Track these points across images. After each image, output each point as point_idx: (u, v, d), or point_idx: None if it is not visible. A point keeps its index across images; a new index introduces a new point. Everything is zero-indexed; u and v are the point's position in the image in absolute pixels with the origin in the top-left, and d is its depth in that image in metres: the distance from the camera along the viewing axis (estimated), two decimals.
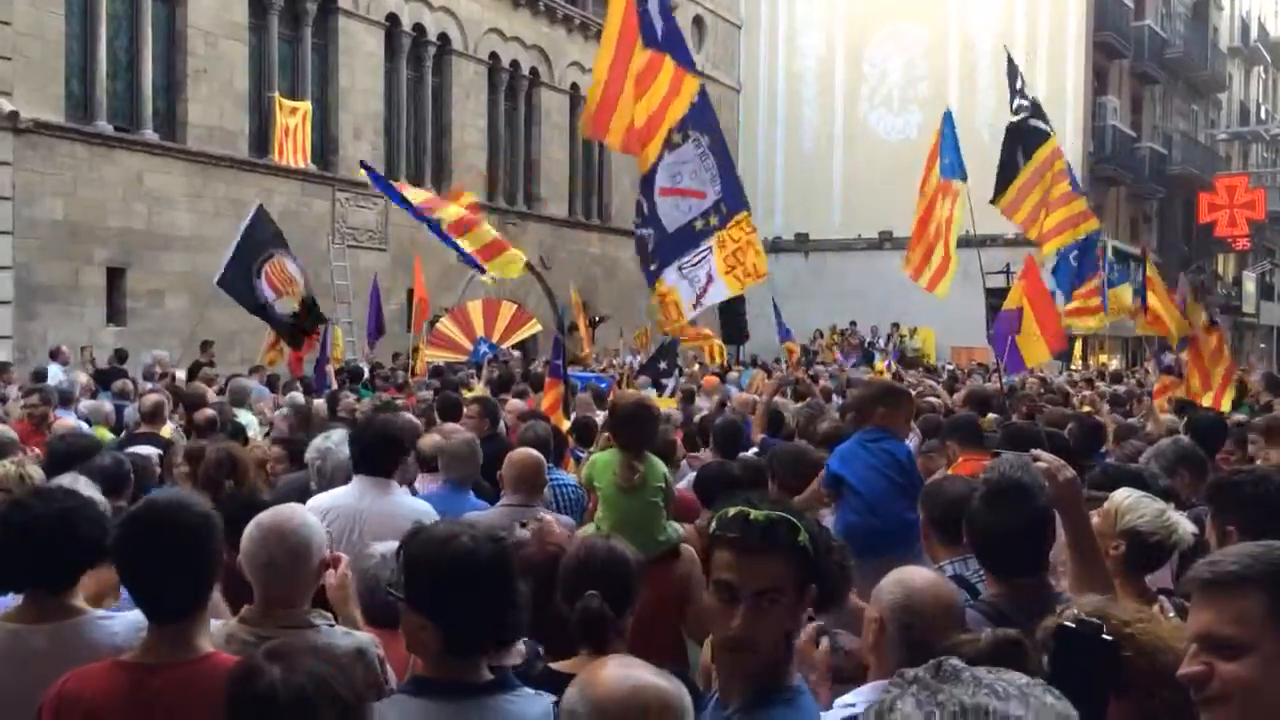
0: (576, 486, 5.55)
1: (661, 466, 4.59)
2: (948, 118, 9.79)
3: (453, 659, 2.29)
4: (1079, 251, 10.67)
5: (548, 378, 8.79)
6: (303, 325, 11.03)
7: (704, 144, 7.31)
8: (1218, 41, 40.27)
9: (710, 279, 7.64)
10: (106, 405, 8.68)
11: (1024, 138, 9.88)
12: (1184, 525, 3.11)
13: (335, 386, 11.08)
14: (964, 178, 9.43)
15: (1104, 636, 1.67)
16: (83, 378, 10.30)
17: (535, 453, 4.67)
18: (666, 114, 7.40)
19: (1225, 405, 8.87)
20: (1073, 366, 21.63)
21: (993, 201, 9.67)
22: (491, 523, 3.96)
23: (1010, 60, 10.47)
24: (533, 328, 15.09)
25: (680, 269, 7.61)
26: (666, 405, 8.96)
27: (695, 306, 7.72)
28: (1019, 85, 10.02)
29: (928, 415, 7.52)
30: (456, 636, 2.27)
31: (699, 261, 7.61)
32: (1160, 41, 34.01)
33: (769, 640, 1.97)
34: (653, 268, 7.44)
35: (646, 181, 7.44)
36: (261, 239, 10.70)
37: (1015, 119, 9.95)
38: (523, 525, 3.76)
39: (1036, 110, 9.99)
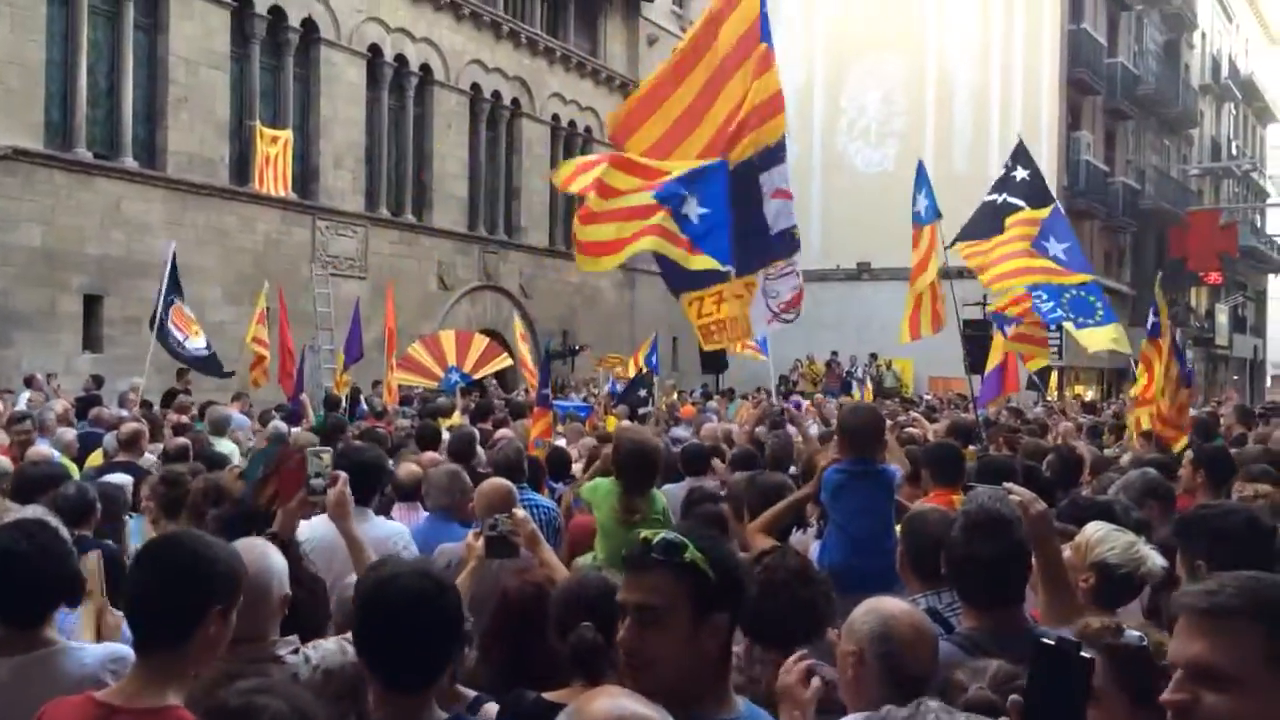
0: (550, 507, 5.54)
1: (662, 500, 4.57)
2: (920, 168, 9.80)
3: (395, 701, 2.28)
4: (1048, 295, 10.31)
5: (536, 407, 8.81)
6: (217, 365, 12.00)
7: None
8: (1189, 79, 40.95)
9: (797, 298, 7.25)
10: (69, 434, 8.51)
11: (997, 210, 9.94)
12: (1154, 558, 3.14)
13: (309, 417, 11.07)
14: (939, 216, 9.44)
15: (1081, 654, 1.67)
16: (59, 405, 10.18)
17: (505, 481, 4.64)
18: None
19: (1180, 444, 8.16)
20: (1048, 398, 21.77)
21: (949, 246, 9.51)
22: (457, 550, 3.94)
23: (1020, 143, 10.50)
24: (503, 361, 15.15)
25: (767, 277, 7.22)
26: None
27: (770, 323, 7.31)
28: (1011, 167, 10.07)
29: (908, 448, 7.52)
30: (384, 673, 2.27)
31: (784, 275, 7.27)
32: (1133, 78, 34.56)
33: (662, 658, 1.97)
34: (712, 263, 6.90)
35: (746, 171, 7.02)
36: (175, 282, 11.62)
37: (992, 198, 10.02)
38: (491, 527, 3.67)
39: (1022, 187, 10.00)
